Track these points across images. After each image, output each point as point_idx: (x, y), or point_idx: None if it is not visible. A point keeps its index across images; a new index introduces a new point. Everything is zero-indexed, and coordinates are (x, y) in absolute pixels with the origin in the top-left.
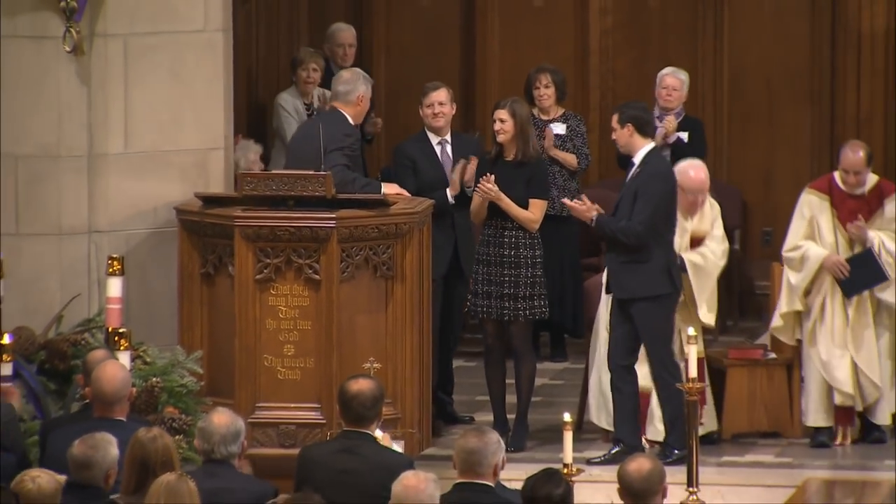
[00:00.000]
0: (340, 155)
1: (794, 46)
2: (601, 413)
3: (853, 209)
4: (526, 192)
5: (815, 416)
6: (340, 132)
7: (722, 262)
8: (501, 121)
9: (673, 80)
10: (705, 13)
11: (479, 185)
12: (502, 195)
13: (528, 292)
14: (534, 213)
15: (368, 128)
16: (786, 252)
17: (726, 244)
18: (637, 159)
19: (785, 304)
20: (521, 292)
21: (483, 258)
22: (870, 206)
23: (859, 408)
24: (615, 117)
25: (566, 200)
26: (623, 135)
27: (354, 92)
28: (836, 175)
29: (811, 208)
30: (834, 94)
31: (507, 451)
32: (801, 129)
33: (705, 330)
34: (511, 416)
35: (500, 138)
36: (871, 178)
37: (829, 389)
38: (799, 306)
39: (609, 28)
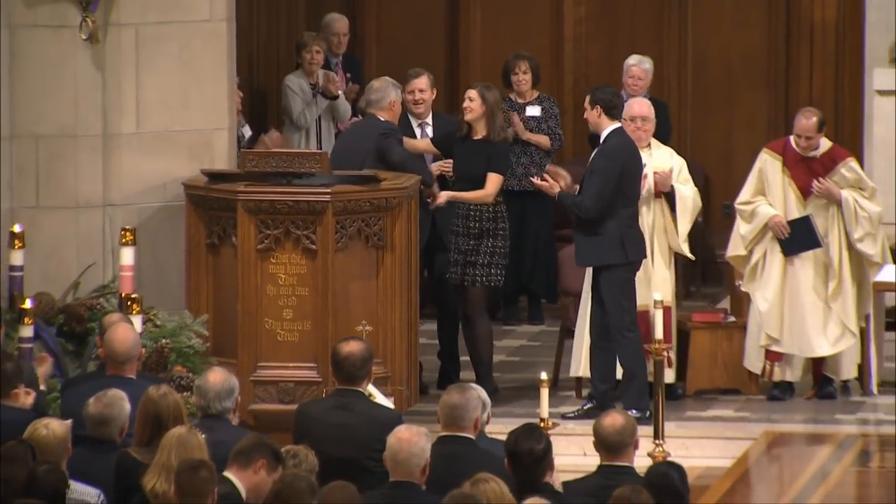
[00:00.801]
0: (393, 141)
1: (751, 36)
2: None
3: (804, 170)
4: (486, 167)
5: (751, 359)
6: (378, 131)
7: (699, 203)
8: (470, 100)
9: (638, 70)
10: (671, 4)
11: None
12: (455, 194)
13: (486, 261)
14: (487, 187)
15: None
16: (738, 204)
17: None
18: (602, 137)
19: (731, 249)
20: (480, 260)
21: (455, 229)
22: (824, 167)
23: (784, 349)
24: (587, 99)
25: (533, 179)
26: (592, 115)
27: (386, 98)
28: (792, 138)
29: (765, 166)
30: (788, 79)
31: None
32: (758, 112)
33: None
34: (496, 375)
35: (468, 116)
36: (825, 144)
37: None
38: (742, 252)
39: (582, 18)
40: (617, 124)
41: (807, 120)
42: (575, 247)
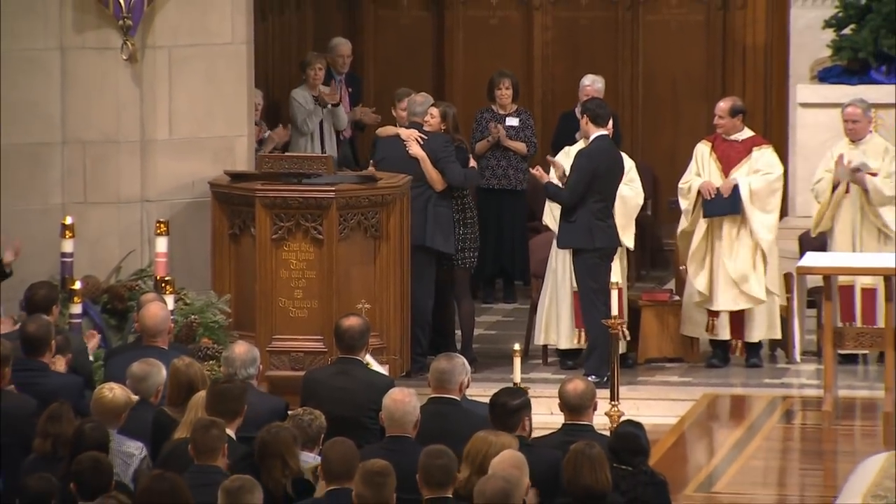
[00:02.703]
0: (455, 165)
1: (693, 56)
2: (549, 332)
3: (726, 151)
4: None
5: (687, 325)
6: (440, 145)
7: (640, 200)
8: (432, 115)
9: (591, 89)
10: (624, 29)
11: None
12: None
13: (459, 246)
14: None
15: (365, 118)
16: (680, 185)
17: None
18: (589, 140)
19: (680, 226)
20: (463, 244)
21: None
22: (745, 149)
23: (714, 306)
24: (577, 110)
25: (533, 170)
26: (582, 123)
27: (427, 111)
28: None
29: (698, 151)
30: (724, 93)
31: None
32: (698, 121)
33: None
34: (476, 346)
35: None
36: (748, 132)
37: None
38: (686, 226)
39: (549, 41)
40: (603, 131)
41: (723, 103)
42: (557, 231)
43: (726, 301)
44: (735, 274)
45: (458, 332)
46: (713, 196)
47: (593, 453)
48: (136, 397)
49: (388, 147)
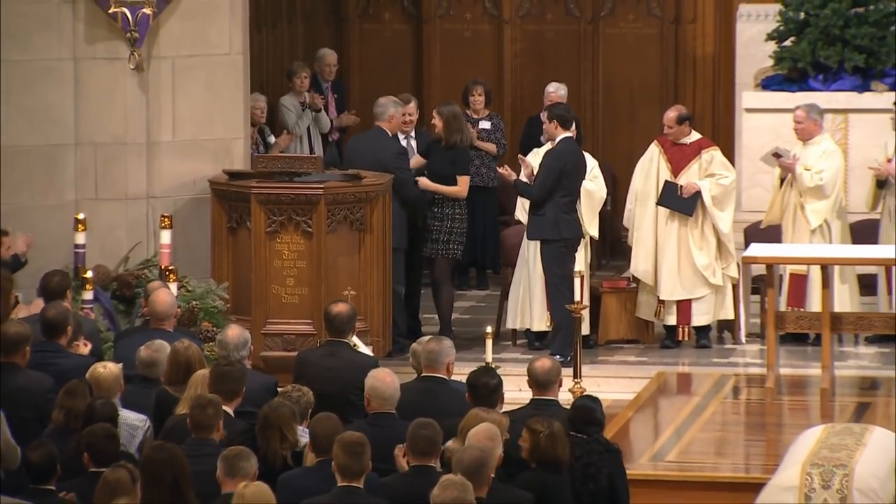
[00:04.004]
0: (399, 171)
1: (648, 66)
2: (523, 316)
3: (677, 153)
4: (451, 169)
5: (642, 308)
6: (391, 151)
7: (603, 194)
8: (433, 118)
9: (555, 95)
10: (586, 42)
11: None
12: (436, 186)
13: (445, 238)
14: (460, 185)
15: (345, 120)
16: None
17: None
18: (555, 142)
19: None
20: (442, 237)
21: (430, 213)
22: (693, 152)
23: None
24: (544, 115)
25: (501, 170)
26: (550, 126)
27: (386, 113)
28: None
29: (651, 153)
30: (676, 99)
31: None
32: (653, 125)
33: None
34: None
35: (435, 130)
36: (696, 135)
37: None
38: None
39: (518, 52)
40: (568, 133)
41: (670, 113)
42: (527, 224)
43: (673, 290)
44: (700, 262)
45: (436, 317)
46: (681, 193)
47: (555, 429)
48: (120, 365)
49: (359, 144)
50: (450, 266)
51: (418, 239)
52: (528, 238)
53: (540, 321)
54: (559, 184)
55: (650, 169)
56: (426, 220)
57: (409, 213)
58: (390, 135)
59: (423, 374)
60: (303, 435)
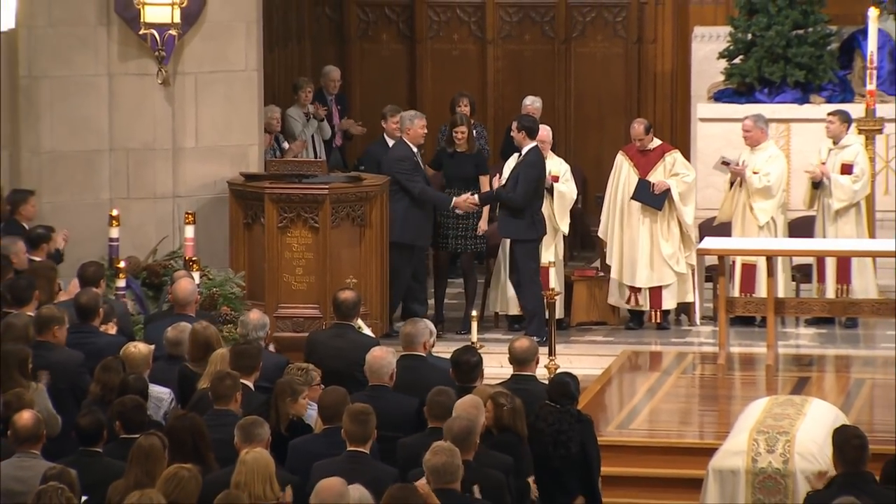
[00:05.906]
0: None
1: (614, 80)
2: (503, 302)
3: (642, 160)
4: (476, 171)
5: (613, 297)
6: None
7: (574, 195)
8: (462, 132)
9: (531, 108)
10: (559, 59)
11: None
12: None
13: (472, 234)
14: (483, 185)
15: (352, 129)
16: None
17: (574, 188)
18: (523, 151)
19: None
20: (469, 234)
21: (452, 216)
22: (657, 156)
23: (628, 281)
24: (514, 125)
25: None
26: (518, 136)
27: (406, 124)
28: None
29: (618, 161)
30: (639, 110)
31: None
32: (619, 132)
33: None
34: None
35: (461, 139)
36: (657, 141)
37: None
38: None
39: (499, 69)
40: (534, 143)
41: (638, 126)
42: (499, 223)
43: (648, 279)
44: (666, 252)
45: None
46: (653, 190)
47: (515, 404)
48: (152, 346)
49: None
50: (472, 258)
51: (443, 237)
52: (502, 235)
53: (516, 307)
54: (537, 189)
55: (620, 177)
56: (450, 219)
57: (428, 213)
58: (410, 144)
59: (403, 353)
60: (310, 407)
